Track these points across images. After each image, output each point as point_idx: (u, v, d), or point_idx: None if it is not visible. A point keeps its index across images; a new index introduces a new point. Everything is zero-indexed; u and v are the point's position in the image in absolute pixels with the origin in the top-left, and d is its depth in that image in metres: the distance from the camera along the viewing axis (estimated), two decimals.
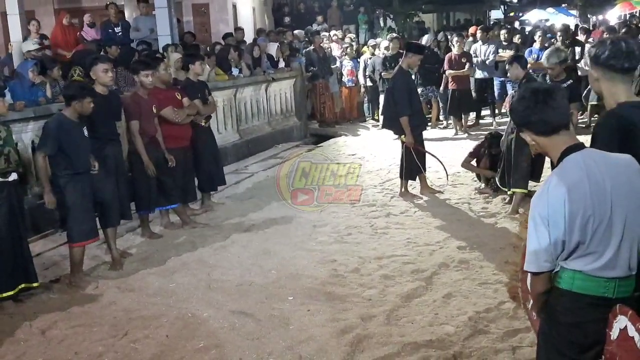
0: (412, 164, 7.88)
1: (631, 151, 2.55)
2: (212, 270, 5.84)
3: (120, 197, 6.15)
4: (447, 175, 8.43)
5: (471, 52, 12.45)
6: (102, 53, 9.72)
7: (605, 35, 12.93)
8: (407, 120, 7.66)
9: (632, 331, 2.31)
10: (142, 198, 6.78)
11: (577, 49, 11.89)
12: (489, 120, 13.16)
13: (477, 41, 12.91)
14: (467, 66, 11.98)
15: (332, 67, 13.79)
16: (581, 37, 13.38)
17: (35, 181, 7.16)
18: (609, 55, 2.73)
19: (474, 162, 8.24)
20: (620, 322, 2.36)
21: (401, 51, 10.89)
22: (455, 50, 12.08)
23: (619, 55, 2.71)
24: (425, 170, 8.12)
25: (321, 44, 13.88)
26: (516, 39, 13.02)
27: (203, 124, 7.67)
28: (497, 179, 7.52)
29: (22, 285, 5.27)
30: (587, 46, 9.20)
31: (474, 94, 12.55)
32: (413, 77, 11.88)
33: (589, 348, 2.48)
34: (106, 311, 5.08)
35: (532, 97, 2.51)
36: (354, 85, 14.22)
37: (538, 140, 2.56)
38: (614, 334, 2.38)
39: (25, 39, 11.33)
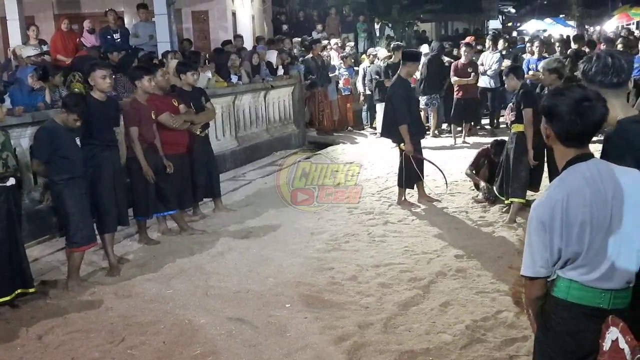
0: (411, 172, 7.88)
1: (635, 167, 2.51)
2: (209, 277, 5.84)
3: (118, 203, 6.15)
4: (447, 183, 8.44)
5: (478, 62, 12.47)
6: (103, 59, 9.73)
7: (602, 47, 13.01)
8: (406, 128, 7.67)
9: (622, 343, 2.31)
10: (140, 204, 6.79)
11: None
12: (488, 129, 13.17)
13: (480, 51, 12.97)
14: (472, 75, 12.00)
15: (331, 75, 13.83)
16: (574, 46, 13.43)
17: (32, 186, 7.16)
18: (596, 72, 2.70)
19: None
20: (612, 334, 2.36)
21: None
22: (462, 60, 12.11)
23: (606, 71, 2.68)
24: (423, 179, 8.13)
25: (320, 52, 13.91)
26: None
27: (199, 133, 7.63)
28: (495, 188, 7.53)
29: (19, 291, 5.27)
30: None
31: None
32: (418, 84, 11.99)
33: (583, 357, 2.48)
34: (103, 317, 5.08)
35: (577, 104, 2.36)
36: (349, 94, 14.25)
37: (552, 139, 2.48)
38: (607, 345, 2.38)
39: (24, 44, 11.35)
